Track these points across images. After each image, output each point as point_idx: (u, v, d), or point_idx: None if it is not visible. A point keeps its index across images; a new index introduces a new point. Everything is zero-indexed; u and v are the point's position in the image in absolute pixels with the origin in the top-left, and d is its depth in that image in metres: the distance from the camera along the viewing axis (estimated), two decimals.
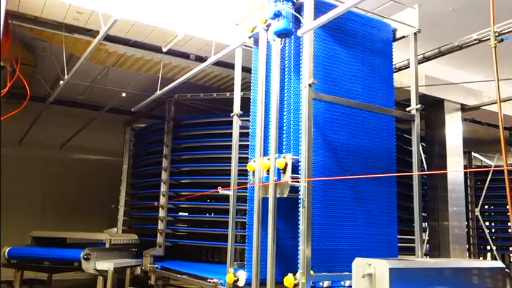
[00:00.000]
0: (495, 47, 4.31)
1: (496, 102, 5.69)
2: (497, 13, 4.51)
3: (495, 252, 9.74)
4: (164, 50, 6.09)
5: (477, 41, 5.18)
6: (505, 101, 6.59)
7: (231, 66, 5.51)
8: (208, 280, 5.09)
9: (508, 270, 3.60)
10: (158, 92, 6.59)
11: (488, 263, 3.76)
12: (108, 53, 6.35)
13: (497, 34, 4.51)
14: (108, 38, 5.79)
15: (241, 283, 4.43)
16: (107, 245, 6.57)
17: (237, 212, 5.13)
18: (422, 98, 7.21)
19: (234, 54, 5.18)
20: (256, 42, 4.86)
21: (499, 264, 3.48)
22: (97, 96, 8.94)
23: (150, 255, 6.76)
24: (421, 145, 7.36)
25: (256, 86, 4.67)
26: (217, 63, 6.47)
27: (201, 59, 6.33)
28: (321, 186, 4.04)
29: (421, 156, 7.16)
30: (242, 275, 4.42)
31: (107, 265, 6.05)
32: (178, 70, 6.89)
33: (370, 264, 3.05)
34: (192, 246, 7.46)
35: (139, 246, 7.31)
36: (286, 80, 4.40)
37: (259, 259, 4.20)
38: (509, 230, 10.20)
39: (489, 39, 4.44)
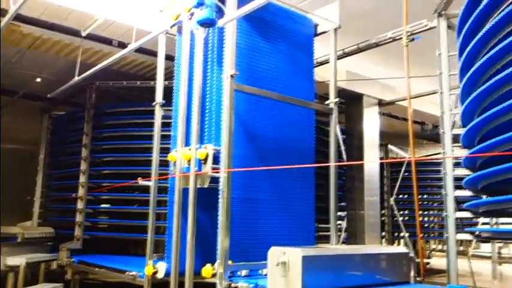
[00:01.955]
0: (407, 46, 4.59)
1: (413, 97, 6.08)
2: (411, 13, 4.79)
3: (407, 239, 10.40)
4: (83, 34, 5.82)
5: (391, 40, 5.47)
6: (416, 97, 7.01)
7: (156, 54, 5.39)
8: (127, 273, 4.98)
9: (412, 255, 3.86)
10: (76, 78, 6.30)
11: (394, 248, 4.02)
12: (22, 34, 5.96)
13: (409, 34, 4.81)
14: (22, 19, 5.43)
15: (160, 275, 4.38)
16: (19, 239, 6.21)
17: (159, 203, 5.05)
18: (343, 93, 7.52)
19: (158, 41, 5.06)
20: (180, 30, 4.79)
21: (403, 249, 3.73)
22: (11, 80, 8.35)
23: (67, 248, 6.48)
24: (341, 137, 7.69)
25: (179, 76, 4.61)
26: (142, 51, 6.31)
27: (124, 45, 6.12)
28: (241, 177, 4.08)
29: (339, 148, 7.47)
30: (161, 267, 4.37)
31: (18, 260, 5.73)
32: (101, 56, 6.62)
33: (284, 253, 3.14)
34: (113, 239, 7.25)
35: (57, 240, 6.98)
36: (209, 71, 4.38)
37: (178, 250, 4.18)
38: (422, 218, 10.94)
39: (402, 38, 4.73)
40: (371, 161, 7.48)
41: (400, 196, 11.06)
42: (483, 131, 3.43)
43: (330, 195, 4.60)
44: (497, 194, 3.21)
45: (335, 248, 3.95)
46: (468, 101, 3.51)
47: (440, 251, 13.27)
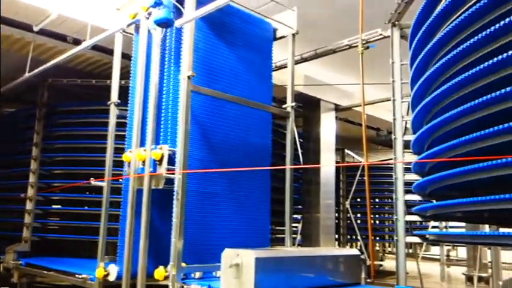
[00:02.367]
0: (362, 53, 4.72)
1: (367, 104, 6.23)
2: (368, 22, 4.93)
3: (361, 242, 10.64)
4: (35, 29, 5.62)
5: (348, 47, 5.60)
6: (371, 103, 7.19)
7: (113, 53, 5.28)
8: (77, 276, 4.84)
9: (363, 257, 3.96)
10: (27, 74, 6.07)
11: (346, 250, 4.11)
12: None
13: (364, 42, 4.94)
14: None
15: (112, 277, 4.28)
16: None
17: (112, 204, 4.95)
18: (301, 97, 7.63)
19: (115, 40, 4.97)
20: (137, 29, 4.71)
21: (355, 251, 3.82)
22: None
23: (13, 251, 6.22)
24: (299, 141, 7.79)
25: (136, 75, 4.54)
26: (99, 49, 6.17)
27: (79, 43, 5.95)
28: (197, 179, 4.06)
29: (297, 151, 7.58)
30: (113, 269, 4.28)
31: None
32: (55, 52, 6.40)
33: (238, 255, 3.15)
34: (64, 241, 7.02)
35: (4, 242, 6.68)
36: (166, 71, 4.33)
37: (131, 252, 4.11)
38: (375, 221, 11.22)
39: (358, 45, 4.85)
40: (326, 165, 7.62)
41: (356, 200, 11.34)
42: (431, 138, 3.56)
43: (286, 197, 4.65)
44: (444, 199, 3.34)
45: (288, 250, 3.99)
46: (418, 108, 3.64)
47: (393, 253, 13.70)
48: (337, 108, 8.07)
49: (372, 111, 8.66)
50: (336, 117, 8.50)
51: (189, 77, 3.88)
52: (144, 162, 4.10)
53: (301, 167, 7.17)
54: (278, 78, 6.15)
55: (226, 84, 4.42)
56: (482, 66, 2.65)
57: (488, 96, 2.59)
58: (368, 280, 4.21)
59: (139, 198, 4.13)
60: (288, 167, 4.48)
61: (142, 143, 4.29)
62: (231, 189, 4.33)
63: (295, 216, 8.31)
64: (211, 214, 4.18)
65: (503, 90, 2.48)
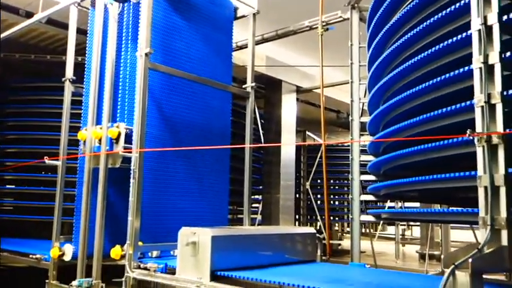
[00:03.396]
0: (322, 35, 4.75)
1: (326, 86, 6.30)
2: (329, 4, 4.95)
3: (320, 222, 10.88)
4: None
5: (308, 28, 5.62)
6: (330, 86, 7.28)
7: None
8: (31, 256, 4.73)
9: (319, 235, 4.06)
10: None
11: (302, 229, 4.19)
12: None
13: (324, 23, 4.98)
14: None
15: (67, 257, 4.21)
16: None
17: (67, 184, 4.83)
18: (263, 78, 7.65)
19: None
20: (93, 3, 4.56)
21: (311, 230, 3.90)
22: None
23: None
24: (260, 122, 7.82)
25: (92, 51, 4.41)
26: (55, 23, 5.94)
27: (32, 16, 5.72)
28: (154, 157, 4.02)
29: (258, 132, 7.62)
30: (69, 249, 4.21)
31: None
32: (6, 25, 6.11)
33: (194, 233, 3.15)
34: (19, 222, 6.82)
35: None
36: (123, 47, 4.23)
37: (87, 232, 4.05)
38: (334, 202, 11.48)
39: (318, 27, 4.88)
40: (284, 144, 7.69)
41: (316, 181, 11.53)
42: (386, 119, 3.66)
43: (245, 177, 4.67)
44: (397, 179, 3.46)
45: (245, 228, 4.03)
46: (374, 90, 3.72)
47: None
48: (299, 90, 8.14)
49: (333, 93, 8.78)
50: (298, 99, 8.57)
51: (146, 54, 3.79)
52: (100, 140, 4.02)
53: (259, 145, 7.22)
54: (239, 58, 6.13)
55: (186, 62, 4.36)
56: (435, 48, 2.72)
57: (439, 78, 2.68)
58: (324, 258, 4.33)
59: (95, 178, 4.06)
60: (247, 145, 4.50)
61: (98, 121, 4.20)
62: (189, 169, 4.31)
63: (256, 197, 8.40)
64: (169, 193, 4.16)
65: (452, 73, 2.57)
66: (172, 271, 3.37)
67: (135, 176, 3.67)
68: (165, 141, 4.12)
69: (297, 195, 11.01)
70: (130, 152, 3.77)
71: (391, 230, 13.25)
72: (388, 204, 9.19)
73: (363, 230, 8.89)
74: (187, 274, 3.14)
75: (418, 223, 12.14)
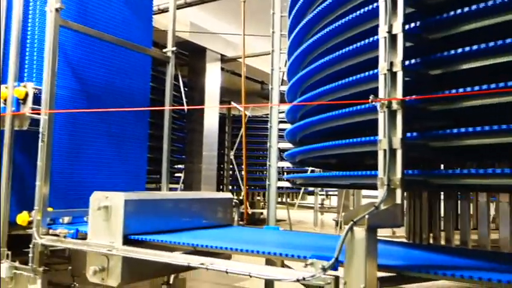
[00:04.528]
0: (244, 1, 4.73)
1: (248, 56, 6.32)
2: None
3: (243, 190, 11.07)
4: None
5: None
6: (254, 56, 7.32)
7: None
8: None
9: (237, 201, 4.14)
10: None
11: (218, 194, 4.24)
12: None
13: None
14: None
15: None
16: None
17: None
18: (187, 45, 7.50)
19: None
20: None
21: (227, 195, 3.96)
22: None
23: None
24: (184, 90, 7.71)
25: None
26: None
27: None
28: (66, 120, 3.84)
29: (182, 100, 7.52)
30: None
31: None
32: None
33: (107, 197, 3.08)
34: None
35: None
36: (31, 1, 3.94)
37: None
38: (258, 172, 11.72)
39: None
40: (207, 106, 7.67)
41: (240, 151, 11.66)
42: (303, 87, 3.76)
43: (164, 143, 4.61)
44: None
45: (160, 193, 4.01)
46: (292, 59, 3.79)
47: (278, 203, 14.53)
48: (223, 59, 8.09)
49: (258, 64, 8.83)
50: (223, 68, 8.53)
51: (57, 10, 3.56)
52: (5, 100, 3.76)
53: (178, 108, 7.11)
54: (161, 22, 5.94)
55: (102, 22, 4.15)
56: (345, 19, 2.81)
57: (350, 48, 2.78)
58: (241, 223, 4.43)
59: (1, 141, 3.81)
60: (167, 108, 4.42)
61: (3, 80, 3.91)
62: (104, 133, 4.18)
63: (179, 166, 8.33)
64: (83, 158, 4.01)
65: (362, 42, 2.68)
66: (84, 236, 3.28)
67: (44, 139, 3.49)
68: (79, 103, 3.94)
69: (222, 166, 11.11)
70: (39, 114, 3.56)
71: (311, 199, 13.80)
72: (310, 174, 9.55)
73: (283, 199, 9.19)
74: (99, 239, 3.07)
75: (336, 192, 12.75)
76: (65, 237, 3.30)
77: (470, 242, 3.41)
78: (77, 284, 3.97)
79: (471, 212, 3.95)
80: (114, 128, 4.25)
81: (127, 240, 2.98)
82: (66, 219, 3.75)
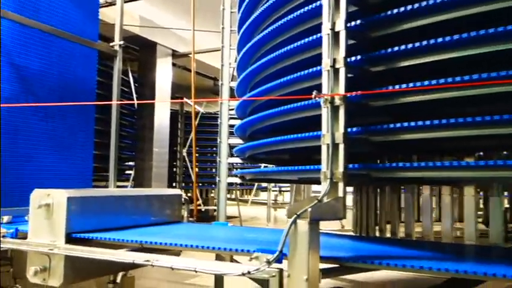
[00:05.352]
0: None
1: (198, 52, 6.26)
2: None
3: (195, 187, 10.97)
4: None
5: None
6: (207, 51, 7.28)
7: None
8: None
9: (186, 197, 4.10)
10: None
11: (167, 190, 4.18)
12: None
13: None
14: None
15: None
16: None
17: None
18: (137, 40, 7.34)
19: None
20: None
21: (176, 191, 3.92)
22: None
23: None
24: (134, 86, 7.55)
25: None
26: None
27: None
28: (6, 114, 3.66)
29: (132, 96, 7.36)
30: None
31: None
32: None
33: (48, 195, 2.96)
34: None
35: None
36: None
37: None
38: (210, 169, 11.66)
39: None
40: (156, 101, 7.55)
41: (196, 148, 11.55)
42: (252, 83, 3.77)
43: (111, 138, 4.50)
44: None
45: (106, 190, 3.91)
46: (241, 54, 3.80)
47: (229, 199, 14.54)
48: (174, 54, 7.98)
49: (210, 60, 8.78)
50: (174, 64, 8.41)
51: None
52: None
53: (124, 103, 6.95)
54: (109, 15, 5.79)
55: (45, 14, 3.99)
56: (297, 13, 2.83)
57: (295, 44, 2.81)
58: (190, 219, 4.39)
59: None
60: (114, 103, 4.32)
61: None
62: (47, 129, 4.02)
63: (129, 163, 8.16)
64: (23, 155, 3.84)
65: (307, 39, 2.72)
66: (24, 236, 3.14)
67: None
68: (19, 97, 3.77)
69: (174, 163, 10.97)
70: None
71: (264, 195, 13.91)
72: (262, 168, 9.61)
73: (234, 196, 9.20)
74: (40, 238, 2.95)
75: (288, 188, 12.91)
76: (3, 237, 3.15)
77: (415, 233, 3.56)
78: (19, 286, 3.81)
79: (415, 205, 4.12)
80: (58, 124, 4.10)
81: (70, 239, 2.89)
82: (6, 218, 3.59)
